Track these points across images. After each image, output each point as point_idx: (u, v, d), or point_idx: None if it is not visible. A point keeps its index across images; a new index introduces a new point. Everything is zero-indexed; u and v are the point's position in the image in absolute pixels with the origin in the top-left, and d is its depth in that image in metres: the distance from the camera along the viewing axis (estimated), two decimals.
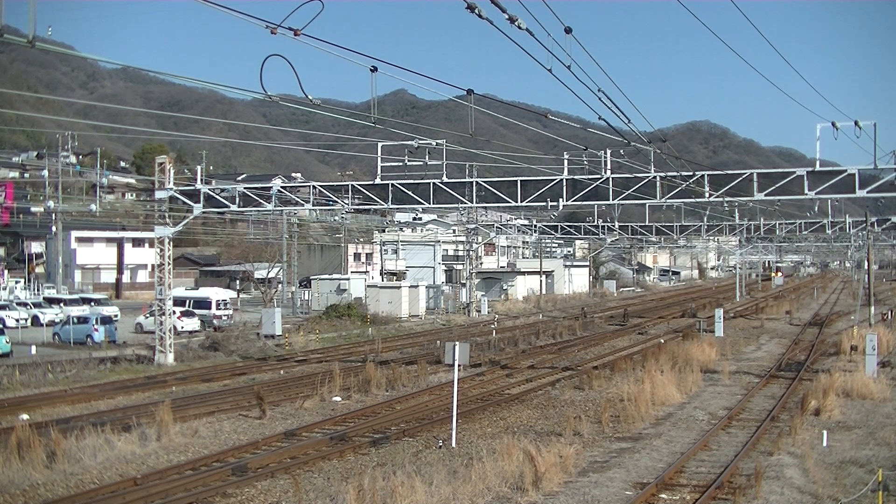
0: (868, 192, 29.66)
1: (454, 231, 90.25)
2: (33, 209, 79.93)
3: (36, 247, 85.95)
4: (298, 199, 38.96)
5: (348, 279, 71.03)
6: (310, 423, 23.66)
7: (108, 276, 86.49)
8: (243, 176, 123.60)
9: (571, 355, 40.87)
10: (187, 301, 52.27)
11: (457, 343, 21.40)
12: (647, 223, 68.96)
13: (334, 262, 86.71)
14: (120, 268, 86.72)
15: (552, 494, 16.19)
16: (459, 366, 21.68)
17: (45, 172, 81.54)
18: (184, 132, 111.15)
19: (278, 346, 42.73)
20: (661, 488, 16.66)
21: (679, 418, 24.63)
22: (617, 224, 68.54)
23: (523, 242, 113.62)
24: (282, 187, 39.42)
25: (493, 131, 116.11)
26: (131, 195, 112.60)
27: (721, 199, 33.19)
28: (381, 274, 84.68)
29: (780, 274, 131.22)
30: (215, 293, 55.28)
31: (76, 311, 49.35)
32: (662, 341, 43.38)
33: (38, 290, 70.84)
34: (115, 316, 51.45)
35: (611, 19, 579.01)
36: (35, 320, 52.07)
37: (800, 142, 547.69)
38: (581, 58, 16.04)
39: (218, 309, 53.00)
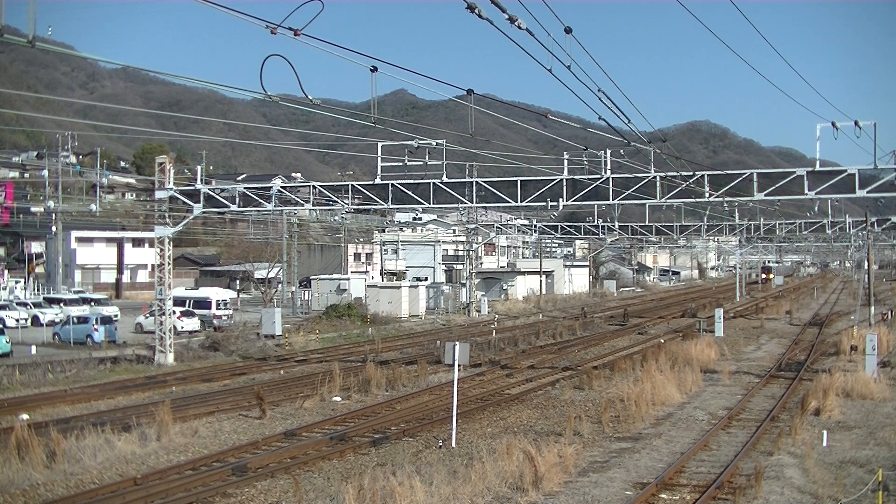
0: (868, 192, 29.68)
1: (454, 231, 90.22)
2: (33, 209, 79.79)
3: (36, 247, 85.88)
4: (298, 199, 38.97)
5: (348, 279, 71.05)
6: (310, 423, 23.66)
7: (108, 276, 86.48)
8: (243, 176, 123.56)
9: (571, 355, 40.87)
10: (187, 301, 52.25)
11: (457, 343, 21.40)
12: (647, 223, 69.01)
13: (334, 262, 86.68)
14: (120, 268, 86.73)
15: (552, 494, 16.19)
16: (459, 366, 21.68)
17: (45, 172, 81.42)
18: (184, 132, 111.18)
19: (278, 346, 42.72)
20: (661, 488, 16.67)
21: (679, 418, 24.63)
22: (617, 224, 68.61)
23: (523, 242, 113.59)
24: (282, 187, 39.41)
25: (493, 131, 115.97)
26: (131, 195, 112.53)
27: (721, 199, 33.19)
28: (381, 274, 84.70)
29: (771, 276, 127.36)
30: (215, 293, 55.27)
31: (76, 311, 49.35)
32: (662, 341, 43.36)
33: (38, 289, 70.79)
34: (115, 316, 51.44)
35: (611, 19, 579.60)
36: (35, 320, 52.09)
37: (800, 142, 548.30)
38: (581, 58, 16.06)
39: (218, 309, 52.99)
